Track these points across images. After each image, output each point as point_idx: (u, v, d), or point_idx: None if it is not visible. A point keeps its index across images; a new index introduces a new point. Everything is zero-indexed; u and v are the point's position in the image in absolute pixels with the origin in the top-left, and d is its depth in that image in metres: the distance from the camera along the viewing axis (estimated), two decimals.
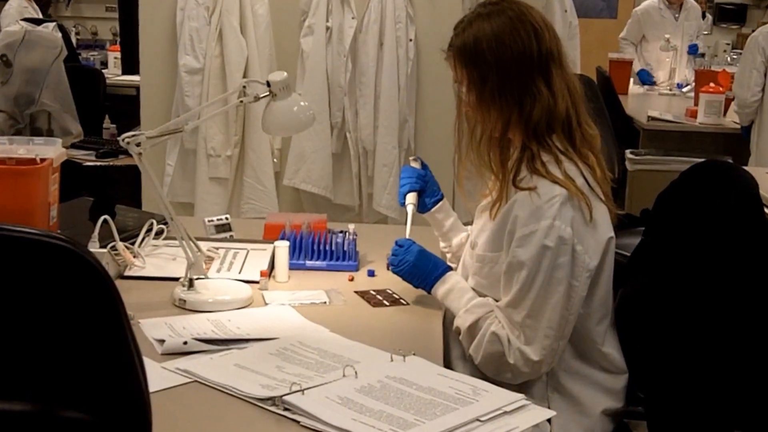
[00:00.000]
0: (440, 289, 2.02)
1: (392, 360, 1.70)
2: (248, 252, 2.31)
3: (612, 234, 1.91)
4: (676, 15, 7.01)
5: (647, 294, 1.98)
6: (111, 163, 4.19)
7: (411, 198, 2.19)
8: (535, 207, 1.84)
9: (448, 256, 2.28)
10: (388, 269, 2.11)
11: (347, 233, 2.37)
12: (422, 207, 2.23)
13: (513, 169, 1.92)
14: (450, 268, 2.05)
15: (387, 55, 3.59)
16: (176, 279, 2.08)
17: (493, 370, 1.89)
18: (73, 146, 4.04)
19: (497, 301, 1.93)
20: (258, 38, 3.62)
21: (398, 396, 1.56)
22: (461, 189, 2.16)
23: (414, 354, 1.72)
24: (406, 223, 2.16)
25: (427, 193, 2.22)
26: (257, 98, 2.04)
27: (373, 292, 2.13)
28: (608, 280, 1.94)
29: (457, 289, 2.00)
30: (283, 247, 2.19)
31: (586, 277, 1.86)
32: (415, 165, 2.25)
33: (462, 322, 1.94)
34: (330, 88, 3.62)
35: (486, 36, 1.90)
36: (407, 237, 2.11)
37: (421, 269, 2.03)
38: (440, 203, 2.24)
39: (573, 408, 1.92)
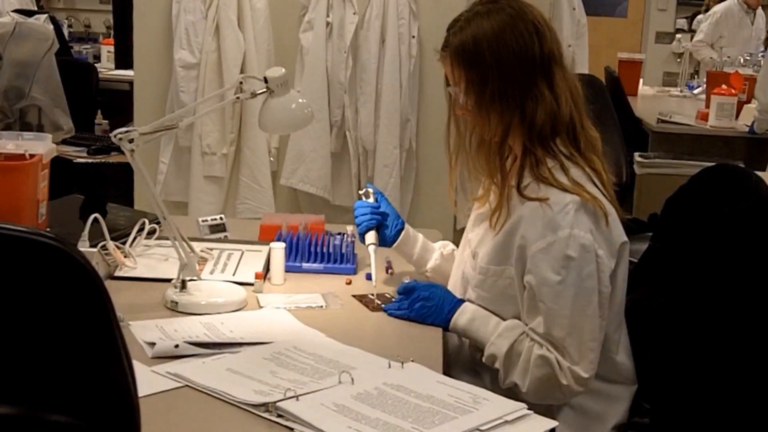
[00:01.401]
0: (461, 319, 1.91)
1: (390, 366, 1.67)
2: (243, 253, 2.28)
3: (625, 239, 1.86)
4: (752, 18, 7.00)
5: (655, 302, 1.95)
6: (103, 160, 4.17)
7: (370, 237, 2.12)
8: (549, 218, 1.79)
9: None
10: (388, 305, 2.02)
11: (345, 235, 2.33)
12: (383, 242, 2.14)
13: (515, 175, 1.86)
14: (462, 300, 1.95)
15: (389, 52, 3.57)
16: (168, 280, 2.05)
17: (543, 393, 1.81)
18: (64, 142, 4.03)
19: (500, 315, 1.88)
20: (256, 33, 3.60)
21: (396, 403, 1.53)
22: (451, 196, 2.08)
23: (412, 360, 1.69)
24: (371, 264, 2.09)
25: (386, 225, 2.14)
26: (254, 95, 2.02)
27: (371, 296, 2.09)
28: (623, 285, 1.89)
29: (479, 316, 1.90)
30: (279, 248, 2.16)
31: (611, 279, 1.81)
32: (368, 199, 2.17)
33: (496, 349, 1.84)
34: (330, 86, 3.60)
35: (486, 35, 1.84)
36: (374, 276, 2.06)
37: (434, 301, 1.92)
38: (402, 234, 2.15)
39: (581, 422, 1.88)
